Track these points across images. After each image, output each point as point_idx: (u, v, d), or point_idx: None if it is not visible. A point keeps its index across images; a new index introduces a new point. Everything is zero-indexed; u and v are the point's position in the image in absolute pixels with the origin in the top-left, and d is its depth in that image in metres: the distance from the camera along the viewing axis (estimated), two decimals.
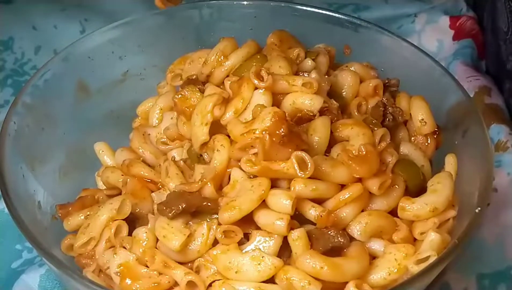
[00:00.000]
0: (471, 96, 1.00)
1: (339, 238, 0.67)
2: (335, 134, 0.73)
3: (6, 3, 1.20)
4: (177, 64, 0.87)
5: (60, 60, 0.86)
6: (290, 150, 0.66)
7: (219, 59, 0.79)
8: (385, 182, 0.69)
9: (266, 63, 0.77)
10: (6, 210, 0.70)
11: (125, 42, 0.91)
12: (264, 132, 0.66)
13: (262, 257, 0.65)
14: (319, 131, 0.71)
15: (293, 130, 0.68)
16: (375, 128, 0.74)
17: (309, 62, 0.79)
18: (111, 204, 0.73)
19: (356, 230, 0.68)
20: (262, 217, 0.67)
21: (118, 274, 0.68)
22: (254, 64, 0.76)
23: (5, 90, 1.10)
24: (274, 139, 0.66)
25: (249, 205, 0.66)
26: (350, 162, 0.67)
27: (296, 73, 0.77)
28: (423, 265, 0.65)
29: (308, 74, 0.76)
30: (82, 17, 1.18)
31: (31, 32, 1.16)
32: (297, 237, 0.66)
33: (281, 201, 0.66)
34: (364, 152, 0.68)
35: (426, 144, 0.79)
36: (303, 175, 0.66)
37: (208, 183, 0.69)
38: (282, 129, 0.66)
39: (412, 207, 0.70)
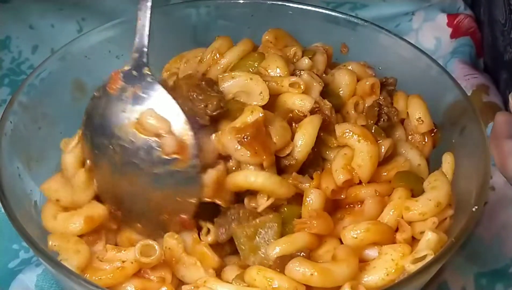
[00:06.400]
0: (469, 94, 1.00)
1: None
2: (338, 140, 0.73)
3: (3, 2, 1.19)
4: (173, 62, 0.87)
5: (56, 59, 0.85)
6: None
7: (215, 57, 0.79)
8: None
9: (263, 62, 0.77)
10: (2, 209, 0.69)
11: (122, 41, 0.90)
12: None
13: None
14: (305, 130, 0.71)
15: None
16: (379, 139, 0.74)
17: (305, 61, 0.78)
18: None
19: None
20: None
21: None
22: (250, 62, 0.76)
23: (2, 89, 1.10)
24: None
25: None
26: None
27: (293, 72, 0.76)
28: (419, 264, 0.64)
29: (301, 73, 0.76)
30: (79, 16, 1.17)
31: (28, 31, 1.16)
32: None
33: None
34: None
35: (423, 142, 0.79)
36: None
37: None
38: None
39: (417, 206, 0.69)
